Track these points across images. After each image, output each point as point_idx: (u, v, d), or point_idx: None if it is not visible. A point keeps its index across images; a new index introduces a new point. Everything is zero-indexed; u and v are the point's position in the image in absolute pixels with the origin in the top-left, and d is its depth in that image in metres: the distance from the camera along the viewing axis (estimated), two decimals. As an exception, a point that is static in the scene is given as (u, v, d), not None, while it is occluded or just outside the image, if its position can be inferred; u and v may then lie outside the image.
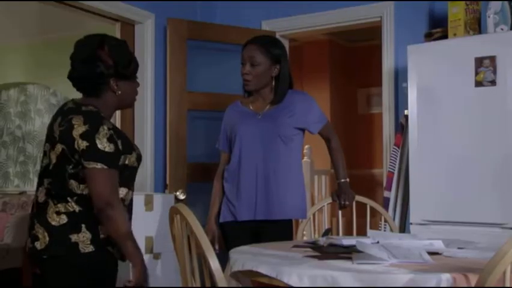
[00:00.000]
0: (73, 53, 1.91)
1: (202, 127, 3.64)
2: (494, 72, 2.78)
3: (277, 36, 3.83)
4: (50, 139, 1.89)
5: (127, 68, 1.93)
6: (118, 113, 3.67)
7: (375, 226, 2.97)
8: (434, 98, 2.97)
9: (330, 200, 2.59)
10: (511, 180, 2.74)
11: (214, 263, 1.45)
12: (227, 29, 3.75)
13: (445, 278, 1.33)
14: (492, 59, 2.78)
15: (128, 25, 3.65)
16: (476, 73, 2.83)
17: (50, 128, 1.91)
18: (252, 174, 2.38)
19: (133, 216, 3.06)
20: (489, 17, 2.95)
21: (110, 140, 1.80)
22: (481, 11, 3.07)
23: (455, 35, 3.01)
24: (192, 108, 3.55)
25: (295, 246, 1.88)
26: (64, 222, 1.81)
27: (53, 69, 5.84)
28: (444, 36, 3.08)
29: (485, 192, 2.80)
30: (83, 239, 1.80)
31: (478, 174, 2.83)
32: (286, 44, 3.94)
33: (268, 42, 2.45)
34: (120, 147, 1.84)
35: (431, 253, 1.62)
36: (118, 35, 3.65)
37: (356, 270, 1.42)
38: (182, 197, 3.33)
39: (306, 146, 4.72)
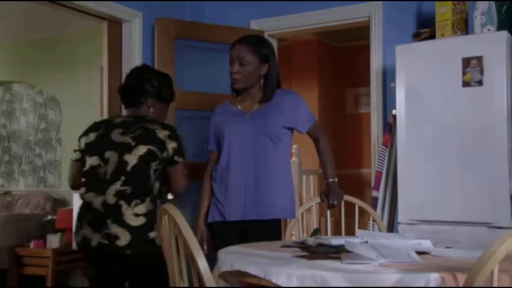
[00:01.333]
0: (131, 71, 2.51)
1: (191, 127, 3.62)
2: (481, 72, 2.80)
3: (266, 35, 3.82)
4: (117, 147, 2.26)
5: (166, 93, 2.47)
6: (105, 111, 3.64)
7: (363, 226, 2.98)
8: (422, 98, 2.98)
9: (318, 200, 2.58)
10: (498, 180, 2.77)
11: (202, 264, 1.44)
12: (215, 28, 3.74)
13: (434, 277, 1.33)
14: (479, 59, 2.80)
15: (115, 23, 3.62)
16: (464, 73, 2.84)
17: (107, 138, 2.30)
18: (241, 174, 2.37)
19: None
20: (476, 17, 2.97)
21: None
22: (468, 11, 3.09)
23: (442, 35, 3.03)
24: (180, 108, 3.53)
25: (284, 246, 1.88)
26: (142, 223, 2.19)
27: (39, 68, 5.78)
28: (432, 36, 3.09)
29: (472, 192, 2.82)
30: (156, 235, 2.18)
31: (466, 174, 2.85)
32: (274, 43, 3.93)
33: (256, 42, 2.44)
34: None
35: (419, 253, 1.62)
36: (105, 34, 3.62)
37: (345, 270, 1.41)
38: (170, 196, 3.31)
39: (294, 146, 4.71)
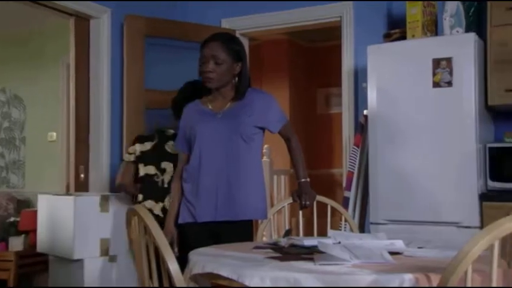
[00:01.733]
0: (183, 85, 2.83)
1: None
2: (451, 73, 2.83)
3: (237, 34, 3.79)
4: (171, 157, 2.62)
5: None
6: (71, 110, 3.55)
7: (335, 226, 2.98)
8: (393, 98, 3.01)
9: (290, 201, 2.56)
10: (467, 179, 2.81)
11: (172, 266, 1.40)
12: (186, 26, 3.69)
13: (408, 278, 1.32)
14: (448, 60, 2.84)
15: (83, 20, 3.53)
16: (434, 74, 2.88)
17: (162, 149, 2.68)
18: (213, 174, 2.32)
19: (87, 217, 2.98)
20: (445, 19, 3.01)
21: None
22: (437, 12, 3.13)
23: (413, 36, 3.05)
24: (150, 107, 3.46)
25: (256, 247, 1.85)
26: None
27: (1, 65, 5.59)
28: (403, 37, 3.12)
29: (441, 192, 2.85)
30: None
31: (435, 174, 2.88)
32: (246, 42, 3.91)
33: (229, 40, 2.40)
34: None
35: (392, 253, 1.62)
36: (72, 30, 3.52)
37: (318, 271, 1.40)
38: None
39: (265, 146, 4.70)
